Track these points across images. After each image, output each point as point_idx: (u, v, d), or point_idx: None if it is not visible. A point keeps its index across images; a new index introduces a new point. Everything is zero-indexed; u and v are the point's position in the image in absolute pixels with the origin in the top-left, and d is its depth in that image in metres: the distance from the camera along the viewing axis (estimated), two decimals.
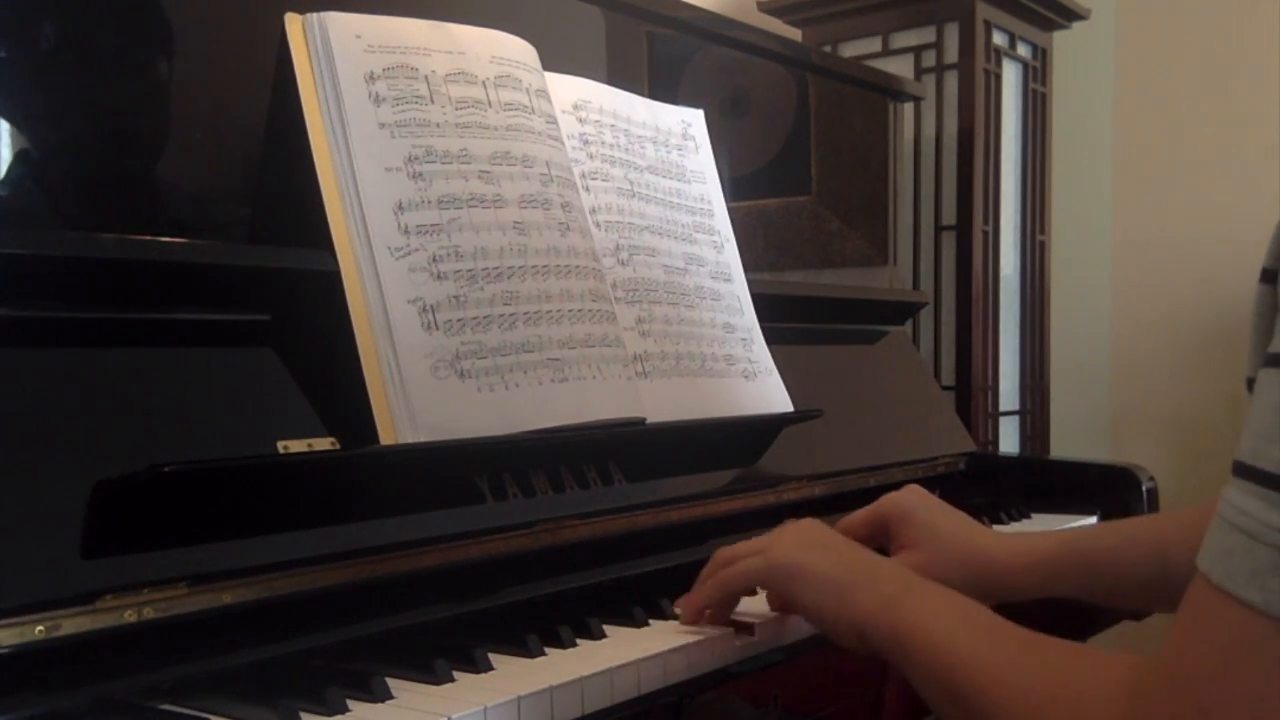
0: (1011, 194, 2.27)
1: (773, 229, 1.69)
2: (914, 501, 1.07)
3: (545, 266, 1.07)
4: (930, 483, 1.61)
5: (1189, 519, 0.92)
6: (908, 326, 1.84)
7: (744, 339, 1.32)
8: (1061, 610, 1.29)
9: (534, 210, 1.08)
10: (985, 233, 2.14)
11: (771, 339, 1.36)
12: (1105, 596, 1.01)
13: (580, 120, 1.23)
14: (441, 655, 0.82)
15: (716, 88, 1.61)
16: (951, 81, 2.12)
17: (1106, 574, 0.98)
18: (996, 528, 1.46)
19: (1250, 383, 0.61)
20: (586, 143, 1.23)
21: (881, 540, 1.07)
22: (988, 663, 0.71)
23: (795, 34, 2.25)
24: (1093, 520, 1.53)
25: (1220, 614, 0.54)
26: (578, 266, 1.10)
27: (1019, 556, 1.01)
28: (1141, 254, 2.80)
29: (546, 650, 0.88)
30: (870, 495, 1.48)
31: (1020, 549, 1.02)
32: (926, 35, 2.14)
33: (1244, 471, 0.55)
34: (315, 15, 1.03)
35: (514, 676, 0.82)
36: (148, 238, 0.92)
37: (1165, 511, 0.97)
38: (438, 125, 1.05)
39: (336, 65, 1.01)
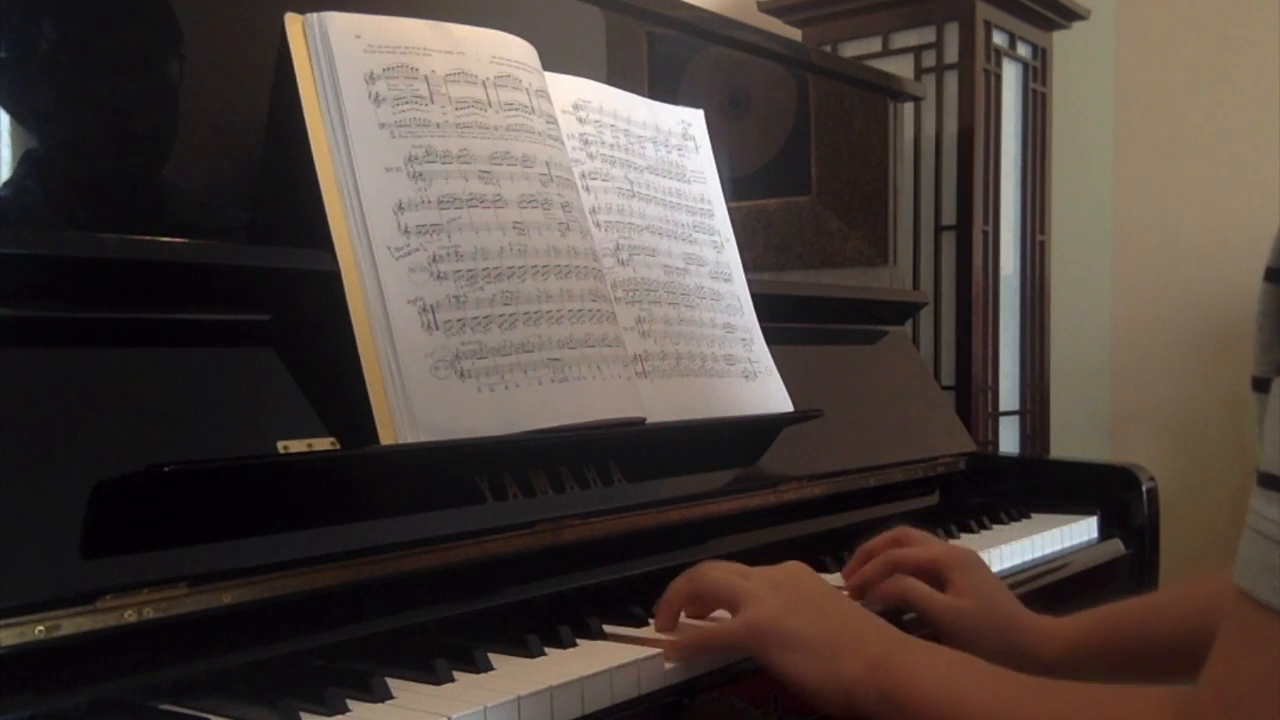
0: (1011, 194, 2.27)
1: (773, 229, 1.69)
2: (977, 560, 1.08)
3: (545, 266, 1.07)
4: (930, 483, 1.62)
5: (1214, 585, 0.90)
6: (908, 326, 1.84)
7: (744, 339, 1.32)
8: None
9: (534, 210, 1.08)
10: (985, 233, 2.14)
11: (771, 339, 1.35)
12: (1136, 672, 0.98)
13: (580, 120, 1.23)
14: (441, 655, 0.82)
15: (716, 88, 1.61)
16: (951, 81, 2.12)
17: (1132, 643, 0.96)
18: (996, 527, 1.46)
19: (1256, 381, 0.61)
20: (586, 143, 1.23)
21: (928, 580, 1.06)
22: (1005, 711, 0.69)
23: (795, 34, 2.25)
24: (1093, 520, 1.53)
25: (1265, 629, 0.53)
26: (578, 266, 1.10)
27: (1053, 629, 1.01)
28: (1141, 254, 2.80)
29: (546, 650, 0.88)
30: (870, 495, 1.48)
31: (1055, 623, 1.01)
32: (926, 35, 2.14)
33: (1270, 482, 0.54)
34: (315, 15, 1.02)
35: (514, 676, 0.82)
36: (148, 238, 0.92)
37: (1195, 578, 0.95)
38: (438, 125, 1.05)
39: (336, 65, 1.01)
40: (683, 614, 0.95)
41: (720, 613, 0.94)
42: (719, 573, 0.92)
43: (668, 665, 0.88)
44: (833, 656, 0.82)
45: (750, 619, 0.87)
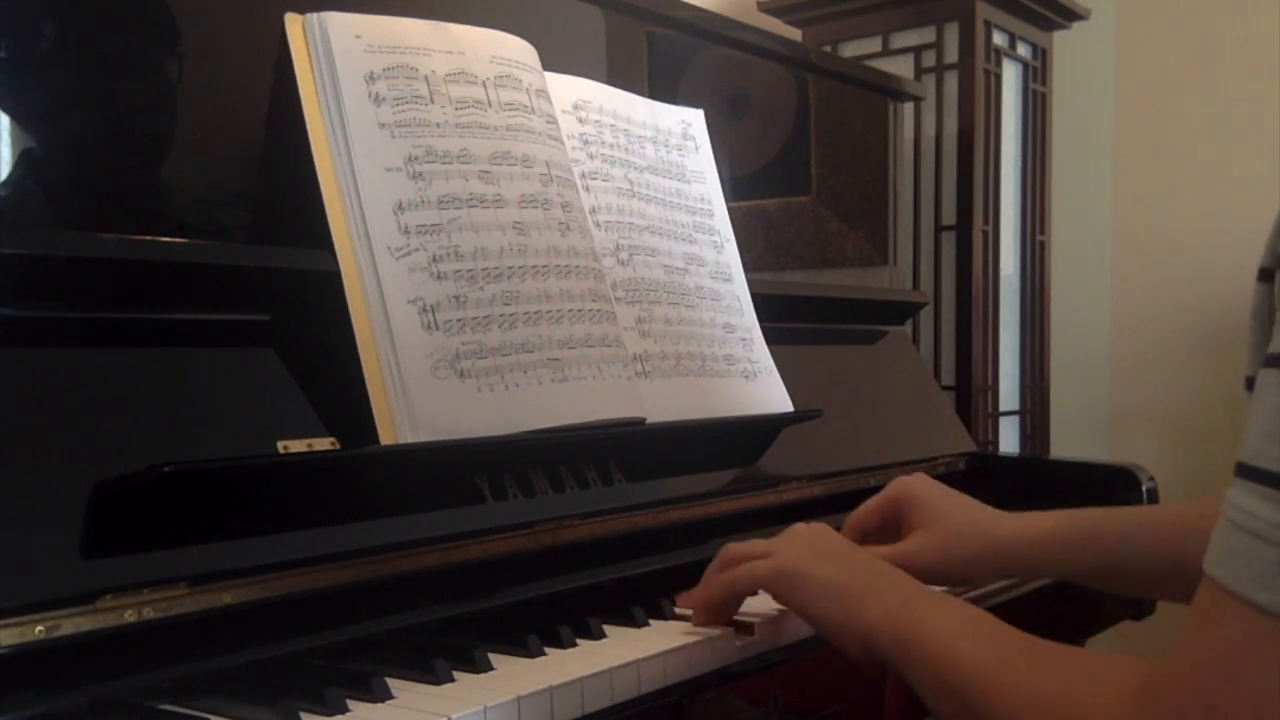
0: (1011, 194, 2.27)
1: (773, 229, 1.69)
2: (922, 485, 1.08)
3: (545, 266, 1.07)
4: None
5: (1207, 509, 0.91)
6: (908, 326, 1.84)
7: (744, 339, 1.32)
8: (1062, 609, 1.30)
9: (534, 210, 1.08)
10: (985, 233, 2.14)
11: (771, 339, 1.35)
12: (1114, 579, 1.01)
13: (580, 120, 1.23)
14: (441, 655, 0.82)
15: (716, 88, 1.61)
16: (951, 81, 2.12)
17: (1116, 554, 0.98)
18: None
19: (1249, 381, 0.61)
20: (586, 143, 1.23)
21: (893, 527, 1.07)
22: (994, 669, 0.71)
23: (795, 34, 2.25)
24: None
25: (1229, 616, 0.54)
26: (578, 266, 1.10)
27: (1029, 530, 1.02)
28: (1141, 254, 2.80)
29: (546, 650, 0.88)
30: (870, 495, 1.48)
31: (1030, 523, 1.02)
32: (926, 35, 2.14)
33: (1247, 472, 0.55)
34: (315, 15, 1.02)
35: (514, 676, 0.82)
36: (147, 238, 0.92)
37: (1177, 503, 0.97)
38: (438, 125, 1.05)
39: (336, 65, 1.01)
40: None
41: (744, 605, 0.96)
42: (744, 543, 0.96)
43: (696, 620, 0.94)
44: (855, 601, 0.84)
45: (778, 561, 0.90)
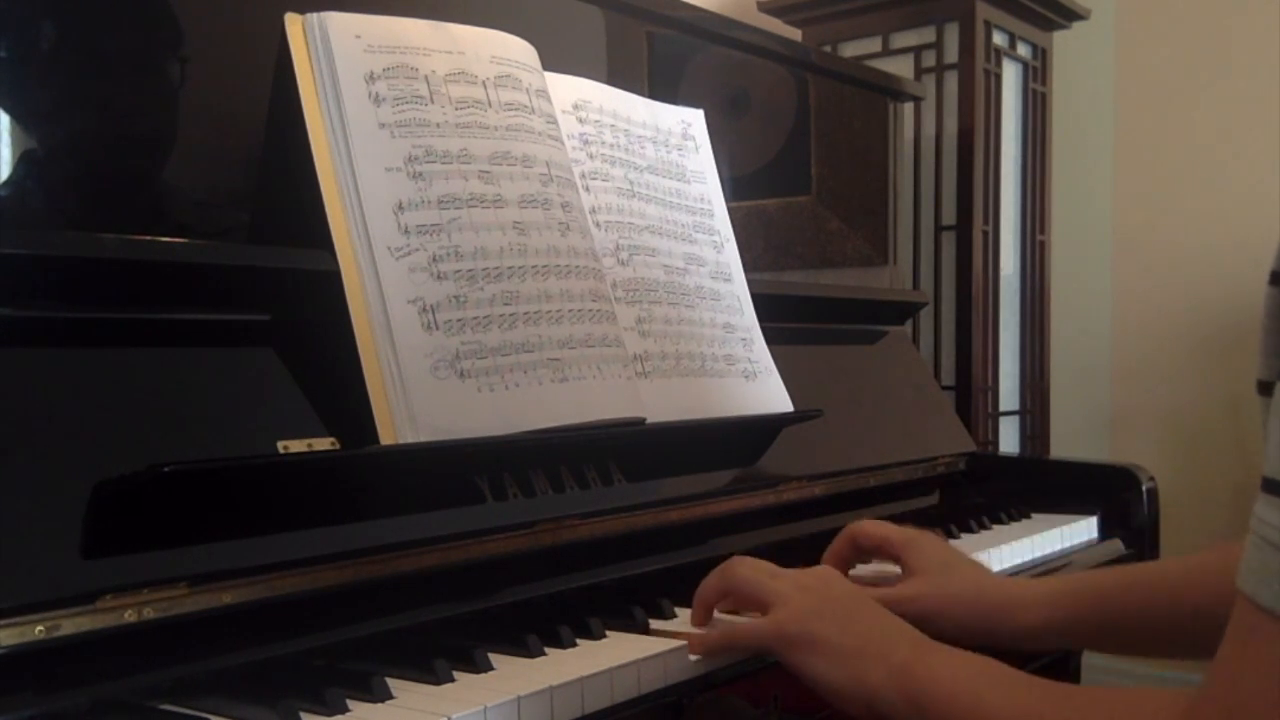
0: (1011, 194, 2.27)
1: (773, 229, 1.69)
2: (930, 538, 1.07)
3: (545, 266, 1.07)
4: (930, 483, 1.61)
5: (1208, 562, 0.91)
6: (908, 326, 1.84)
7: (744, 339, 1.32)
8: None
9: (534, 210, 1.08)
10: (985, 233, 2.14)
11: (771, 339, 1.35)
12: (1114, 637, 0.98)
13: (580, 120, 1.23)
14: (441, 655, 0.82)
15: (716, 88, 1.61)
16: (951, 81, 2.12)
17: (1115, 611, 0.96)
18: (996, 527, 1.46)
19: (1261, 385, 0.61)
20: (586, 143, 1.23)
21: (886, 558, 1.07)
22: (1028, 714, 0.70)
23: (795, 34, 2.25)
24: (1093, 520, 1.53)
25: (1269, 633, 0.54)
26: (578, 266, 1.10)
27: (1028, 591, 1.00)
28: (1141, 254, 2.80)
29: (546, 650, 0.88)
30: (870, 495, 1.48)
31: (1029, 585, 1.01)
32: (926, 35, 2.15)
33: (1273, 487, 0.55)
34: (315, 15, 1.02)
35: (514, 676, 0.82)
36: (148, 238, 0.92)
37: (1202, 552, 0.95)
38: (438, 125, 1.05)
39: (336, 65, 1.01)
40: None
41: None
42: (749, 571, 0.93)
43: (692, 658, 0.90)
44: (857, 662, 0.83)
45: (778, 621, 0.88)
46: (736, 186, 1.57)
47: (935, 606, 0.99)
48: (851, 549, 1.08)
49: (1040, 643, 0.99)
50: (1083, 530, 1.51)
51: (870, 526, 1.08)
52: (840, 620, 0.87)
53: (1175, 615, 0.92)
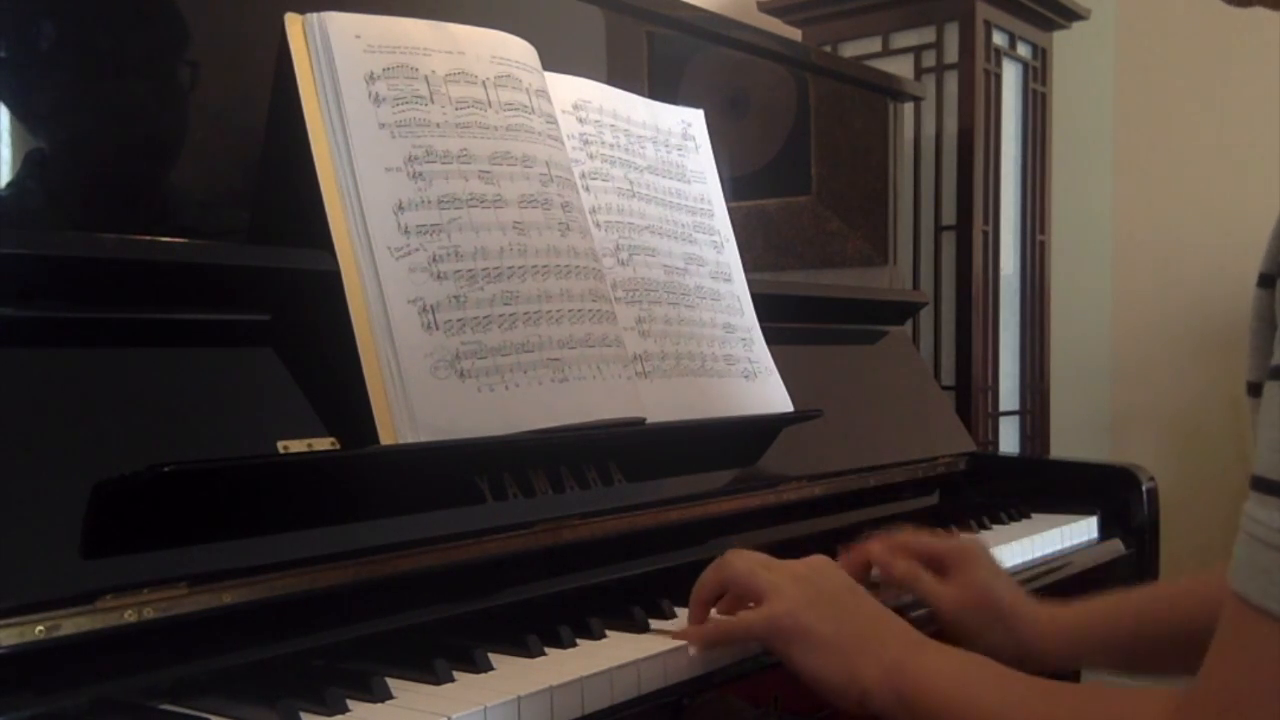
0: (1011, 194, 2.27)
1: (773, 229, 1.69)
2: (980, 552, 1.07)
3: (545, 266, 1.07)
4: (930, 483, 1.61)
5: (1200, 583, 0.91)
6: (908, 326, 1.84)
7: (744, 339, 1.32)
8: None
9: (534, 210, 1.08)
10: (985, 233, 2.14)
11: (771, 339, 1.35)
12: (1131, 662, 0.98)
13: (580, 120, 1.23)
14: (441, 655, 0.82)
15: (716, 88, 1.61)
16: (951, 81, 2.12)
17: (1129, 636, 0.96)
18: (996, 527, 1.46)
19: (1251, 386, 0.61)
20: (586, 143, 1.23)
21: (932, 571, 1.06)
22: (1020, 713, 0.70)
23: (795, 34, 2.25)
24: (1093, 520, 1.53)
25: (1262, 632, 0.54)
26: (578, 266, 1.10)
27: (1052, 621, 1.00)
28: (1141, 254, 2.80)
29: (546, 650, 0.88)
30: (870, 495, 1.48)
31: (1054, 614, 1.01)
32: (926, 35, 2.15)
33: (1265, 486, 0.55)
34: (315, 15, 1.02)
35: (514, 676, 0.82)
36: (148, 238, 0.92)
37: (1196, 573, 0.95)
38: (438, 125, 1.05)
39: (336, 65, 1.01)
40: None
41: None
42: (743, 563, 0.93)
43: (690, 652, 0.90)
44: (850, 657, 0.83)
45: (772, 614, 0.88)
46: (736, 186, 1.57)
47: (975, 621, 1.01)
48: (891, 554, 1.07)
49: (1060, 665, 0.99)
50: (1083, 530, 1.51)
51: (919, 541, 1.08)
52: (834, 613, 0.87)
53: (1182, 630, 0.91)
